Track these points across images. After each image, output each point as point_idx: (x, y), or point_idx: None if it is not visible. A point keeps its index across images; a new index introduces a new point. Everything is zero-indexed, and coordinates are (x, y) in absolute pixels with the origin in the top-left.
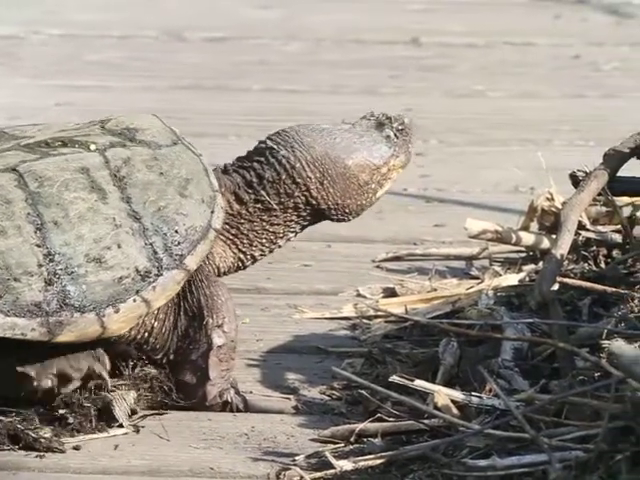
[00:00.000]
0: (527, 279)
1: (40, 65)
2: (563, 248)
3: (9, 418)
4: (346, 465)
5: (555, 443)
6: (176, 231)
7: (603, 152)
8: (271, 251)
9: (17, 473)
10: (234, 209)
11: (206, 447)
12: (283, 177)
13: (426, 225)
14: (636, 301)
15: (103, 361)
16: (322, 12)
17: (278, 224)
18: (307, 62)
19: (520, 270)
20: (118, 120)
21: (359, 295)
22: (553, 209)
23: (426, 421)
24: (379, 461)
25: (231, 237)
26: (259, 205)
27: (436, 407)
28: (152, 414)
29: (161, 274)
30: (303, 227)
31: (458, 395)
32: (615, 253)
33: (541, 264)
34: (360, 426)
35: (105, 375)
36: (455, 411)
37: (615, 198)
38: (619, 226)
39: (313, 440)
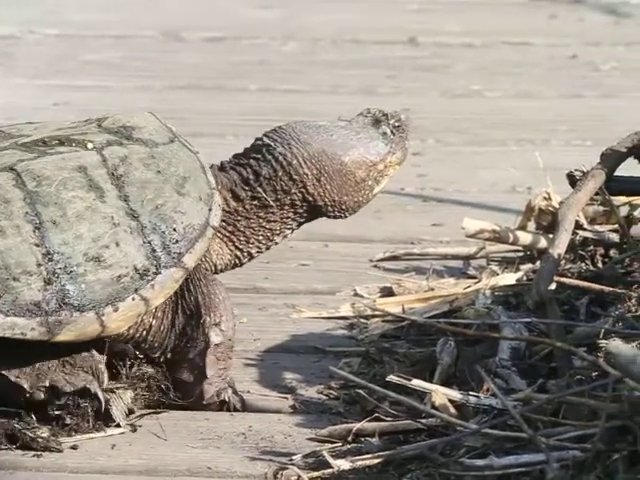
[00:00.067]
0: (524, 278)
1: (38, 65)
2: (560, 247)
3: (6, 418)
4: (343, 464)
5: (552, 442)
6: (174, 229)
7: (600, 152)
8: (268, 248)
9: (14, 473)
10: (231, 206)
11: (203, 446)
12: (280, 174)
13: (423, 225)
14: (633, 300)
15: (102, 379)
16: (320, 12)
17: (275, 221)
18: (305, 62)
19: (517, 269)
20: (115, 118)
21: (356, 295)
22: (550, 209)
23: (423, 420)
24: (377, 460)
25: (228, 234)
26: (256, 202)
27: (433, 406)
28: (149, 413)
29: (159, 272)
30: (300, 224)
31: (455, 394)
32: (612, 252)
33: (538, 263)
34: (357, 425)
35: (100, 395)
36: (452, 410)
37: (612, 198)
38: (616, 225)
39: (310, 439)
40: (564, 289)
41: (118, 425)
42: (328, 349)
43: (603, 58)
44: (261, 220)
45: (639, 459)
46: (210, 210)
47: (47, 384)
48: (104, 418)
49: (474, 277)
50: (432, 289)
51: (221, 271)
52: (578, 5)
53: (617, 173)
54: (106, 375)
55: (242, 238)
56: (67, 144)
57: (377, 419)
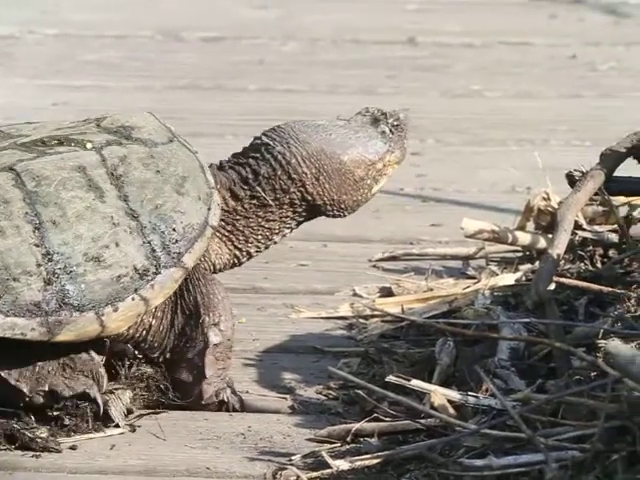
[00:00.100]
0: (523, 279)
1: (37, 65)
2: (559, 248)
3: (5, 418)
4: (342, 465)
5: (551, 443)
6: (173, 229)
7: (600, 152)
8: (267, 247)
9: (13, 473)
10: (230, 205)
11: (202, 447)
12: (279, 173)
13: (423, 225)
14: (632, 301)
15: (101, 384)
16: (319, 12)
17: (274, 220)
18: (304, 62)
19: (516, 270)
20: (113, 118)
21: (355, 295)
22: (549, 209)
23: (422, 421)
24: (375, 461)
25: (227, 234)
26: (255, 201)
27: (432, 407)
28: (148, 413)
29: (159, 272)
30: (299, 223)
31: (454, 395)
32: (611, 253)
33: (537, 264)
34: (356, 426)
35: (99, 400)
36: (451, 411)
37: (611, 198)
38: (615, 226)
39: (309, 440)
40: (563, 289)
41: (117, 425)
42: (327, 349)
43: (603, 58)
44: (260, 219)
45: (638, 459)
46: (209, 209)
47: (46, 388)
48: (103, 419)
49: (473, 277)
50: (431, 289)
51: (220, 270)
52: (578, 5)
53: (616, 173)
54: (105, 379)
55: (241, 237)
56: (66, 144)
57: (376, 419)
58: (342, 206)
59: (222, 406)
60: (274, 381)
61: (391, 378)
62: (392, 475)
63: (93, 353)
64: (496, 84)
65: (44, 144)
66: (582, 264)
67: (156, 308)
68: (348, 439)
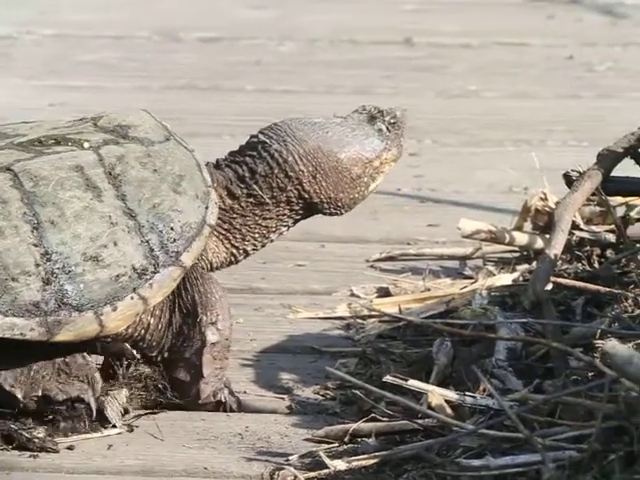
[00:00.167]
0: (521, 279)
1: (34, 65)
2: (557, 248)
3: (2, 418)
4: (340, 465)
5: (549, 443)
6: (171, 228)
7: (597, 152)
8: (263, 245)
9: (10, 473)
10: (226, 204)
11: (200, 447)
12: (275, 171)
13: (420, 225)
14: (630, 301)
15: (96, 388)
16: (317, 12)
17: (271, 218)
18: (302, 62)
19: (514, 270)
20: (110, 117)
21: (353, 295)
22: (547, 209)
23: (420, 421)
24: (373, 461)
25: (224, 232)
26: (251, 199)
27: (430, 407)
28: (146, 414)
29: (158, 271)
30: (296, 221)
31: (452, 395)
32: (609, 253)
33: (535, 264)
34: (354, 426)
35: (92, 405)
36: (449, 411)
37: (609, 198)
38: (613, 226)
39: (307, 440)
40: (560, 289)
41: (114, 426)
42: (324, 349)
43: (600, 59)
44: (257, 217)
45: (635, 459)
46: (207, 208)
47: (39, 393)
48: (100, 419)
49: (470, 277)
50: (428, 289)
51: (217, 269)
52: (575, 6)
53: (614, 173)
54: (100, 383)
55: (238, 236)
56: (63, 143)
57: (373, 419)
58: (339, 204)
59: (220, 406)
60: (271, 381)
61: (388, 378)
62: (389, 475)
63: (88, 357)
64: (493, 84)
65: (41, 144)
66: (579, 264)
67: (154, 307)
68: (345, 439)
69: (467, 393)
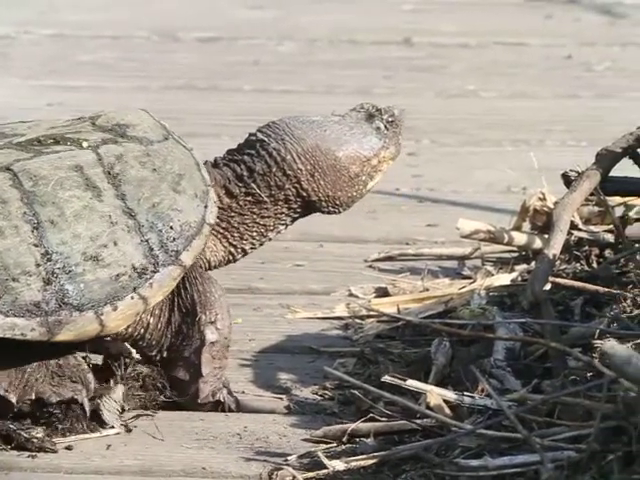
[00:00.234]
0: (519, 279)
1: (32, 65)
2: (555, 248)
3: (1, 418)
4: (338, 465)
5: (547, 443)
6: (171, 227)
7: (595, 152)
8: (261, 244)
9: (9, 473)
10: (224, 203)
11: (198, 447)
12: (274, 169)
13: (418, 225)
14: (628, 301)
15: (90, 389)
16: (316, 12)
17: (269, 217)
18: (301, 62)
19: (512, 270)
20: (108, 116)
21: (351, 295)
22: (545, 209)
23: (418, 421)
24: (371, 461)
25: (222, 231)
26: (250, 198)
27: (428, 407)
28: (144, 414)
29: (157, 271)
30: (293, 219)
31: (450, 395)
32: (607, 253)
33: (533, 264)
34: (352, 426)
35: (86, 406)
36: (447, 411)
37: (607, 198)
38: (611, 226)
39: (305, 440)
40: (559, 289)
41: (113, 426)
42: (323, 349)
43: (598, 58)
44: (255, 216)
45: (634, 460)
46: (206, 207)
47: (33, 397)
48: (97, 421)
49: (469, 277)
50: (427, 289)
51: (215, 267)
52: (573, 5)
53: (612, 173)
54: (93, 384)
55: (236, 234)
56: (62, 143)
57: (372, 419)
58: (337, 202)
59: (218, 406)
60: (270, 381)
61: (387, 378)
62: (388, 475)
63: (80, 358)
64: (492, 84)
65: (40, 143)
66: (578, 264)
67: (154, 306)
68: (344, 439)
69: (466, 393)
